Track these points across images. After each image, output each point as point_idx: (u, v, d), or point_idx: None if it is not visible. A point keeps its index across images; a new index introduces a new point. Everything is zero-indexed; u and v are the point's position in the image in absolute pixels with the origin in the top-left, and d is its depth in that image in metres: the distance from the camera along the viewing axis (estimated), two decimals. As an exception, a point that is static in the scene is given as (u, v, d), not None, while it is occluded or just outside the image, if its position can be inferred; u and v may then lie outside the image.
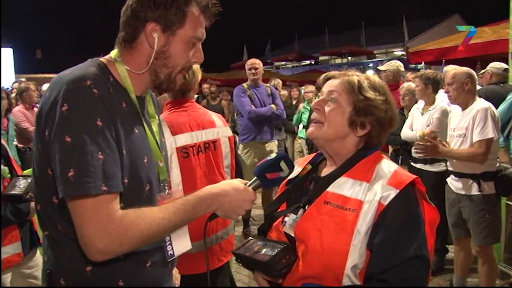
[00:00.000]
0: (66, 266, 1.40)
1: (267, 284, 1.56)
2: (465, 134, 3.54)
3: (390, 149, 5.15)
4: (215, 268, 2.71)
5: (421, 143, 3.59)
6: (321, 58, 32.08)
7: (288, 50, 34.24)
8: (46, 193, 1.37)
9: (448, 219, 3.81)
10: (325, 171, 1.64)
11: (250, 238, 1.62)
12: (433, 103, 4.41)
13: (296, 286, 1.48)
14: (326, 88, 1.62)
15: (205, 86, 10.75)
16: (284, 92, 9.68)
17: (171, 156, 2.49)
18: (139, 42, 1.44)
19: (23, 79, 9.55)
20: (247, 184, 1.51)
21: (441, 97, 4.57)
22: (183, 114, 2.68)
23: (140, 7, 1.41)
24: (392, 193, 1.42)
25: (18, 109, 6.62)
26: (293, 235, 1.54)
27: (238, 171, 3.00)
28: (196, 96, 4.73)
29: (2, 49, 17.64)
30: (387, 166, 1.53)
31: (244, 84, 5.73)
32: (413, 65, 12.14)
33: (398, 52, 28.05)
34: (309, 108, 7.57)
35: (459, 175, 3.62)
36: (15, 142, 6.17)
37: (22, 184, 2.60)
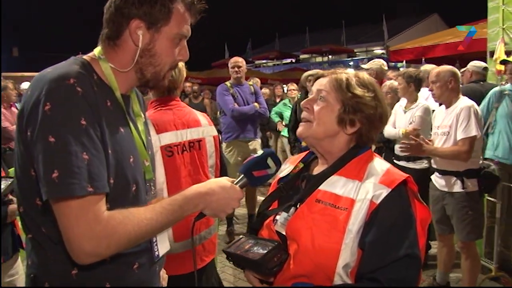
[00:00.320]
0: (51, 270, 1.36)
1: (258, 282, 1.55)
2: (448, 132, 3.58)
3: (373, 146, 5.19)
4: (198, 269, 2.69)
5: (406, 141, 3.63)
6: (302, 56, 32.16)
7: (269, 48, 34.30)
8: (29, 195, 1.33)
9: (432, 215, 3.85)
10: (317, 170, 1.64)
11: (241, 236, 1.61)
12: (416, 101, 4.46)
13: (288, 284, 1.47)
14: (315, 87, 1.62)
15: (187, 84, 10.68)
16: (266, 91, 9.70)
17: (155, 155, 2.44)
18: (123, 39, 1.41)
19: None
20: (234, 182, 1.49)
21: (424, 95, 4.62)
22: (168, 112, 2.64)
23: (124, 4, 1.37)
24: (384, 192, 1.42)
25: (-4, 108, 6.46)
26: (284, 233, 1.53)
27: (223, 171, 2.98)
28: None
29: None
30: (380, 165, 1.53)
31: (227, 83, 5.71)
32: (393, 63, 12.30)
33: (379, 50, 28.35)
34: (290, 106, 7.61)
35: (443, 173, 3.66)
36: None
37: (1, 185, 2.52)
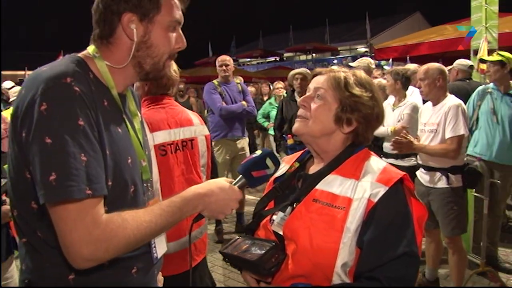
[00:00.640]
0: (46, 275, 1.32)
1: (255, 283, 1.54)
2: (436, 130, 3.62)
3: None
4: (194, 266, 2.69)
5: (398, 139, 3.66)
6: (286, 54, 32.22)
7: (253, 47, 34.27)
8: (24, 197, 1.29)
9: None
10: (313, 169, 1.63)
11: (237, 236, 1.59)
12: (404, 99, 4.50)
13: (286, 285, 1.46)
14: (312, 84, 1.61)
15: (172, 83, 10.58)
16: (252, 89, 9.69)
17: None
18: (117, 36, 1.38)
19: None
20: (233, 183, 1.48)
21: (411, 92, 4.66)
22: (161, 111, 2.62)
23: (111, 1, 1.34)
24: (382, 190, 1.41)
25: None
26: (281, 233, 1.52)
27: (214, 170, 2.98)
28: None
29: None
30: (376, 163, 1.53)
31: (215, 81, 5.69)
32: (377, 62, 12.41)
33: (362, 48, 28.54)
34: (276, 105, 7.61)
35: (428, 169, 3.70)
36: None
37: None
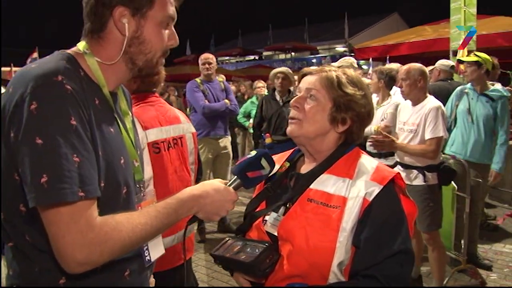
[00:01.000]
0: (36, 280, 1.27)
1: (249, 285, 1.53)
2: (416, 131, 3.67)
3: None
4: (178, 266, 2.66)
5: (380, 139, 3.68)
6: (265, 53, 32.29)
7: (232, 45, 34.24)
8: (11, 200, 1.23)
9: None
10: (305, 168, 1.62)
11: (227, 238, 1.58)
12: (387, 98, 4.54)
13: (281, 285, 1.45)
14: (303, 85, 1.60)
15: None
16: (233, 87, 9.65)
17: (142, 152, 2.42)
18: (108, 31, 1.33)
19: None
20: (228, 184, 1.46)
21: (394, 92, 4.71)
22: (151, 108, 2.59)
23: None
24: (377, 189, 1.42)
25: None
26: (276, 234, 1.51)
27: (199, 168, 2.96)
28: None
29: None
30: (369, 162, 1.54)
31: (197, 79, 5.62)
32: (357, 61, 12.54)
33: (341, 48, 28.81)
34: (256, 103, 7.59)
35: (405, 166, 3.75)
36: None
37: None
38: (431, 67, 5.79)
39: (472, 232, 4.40)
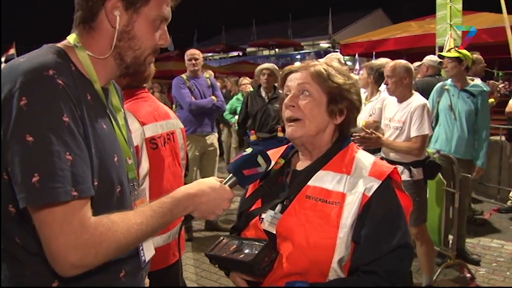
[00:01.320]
0: (27, 284, 1.22)
1: (246, 284, 1.50)
2: (401, 128, 3.69)
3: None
4: (170, 265, 2.62)
5: (367, 135, 3.67)
6: (248, 49, 32.16)
7: (215, 41, 34.03)
8: (0, 201, 1.17)
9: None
10: (301, 165, 1.61)
11: (221, 237, 1.55)
12: (376, 94, 4.52)
13: (280, 283, 1.44)
14: (293, 82, 1.57)
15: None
16: (217, 84, 9.57)
17: (141, 148, 2.40)
18: (99, 21, 1.28)
19: None
20: (223, 182, 1.43)
21: (384, 88, 4.70)
22: (145, 104, 2.56)
23: None
24: (375, 184, 1.43)
25: None
26: (274, 232, 1.49)
27: (187, 164, 2.97)
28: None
29: None
30: (366, 157, 1.54)
31: (183, 75, 5.53)
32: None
33: (325, 44, 28.85)
34: (242, 100, 7.54)
35: (391, 163, 3.73)
36: None
37: None
38: (418, 63, 5.81)
39: (460, 227, 4.43)
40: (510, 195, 6.08)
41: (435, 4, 6.36)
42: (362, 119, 4.45)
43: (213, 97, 5.55)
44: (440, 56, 5.01)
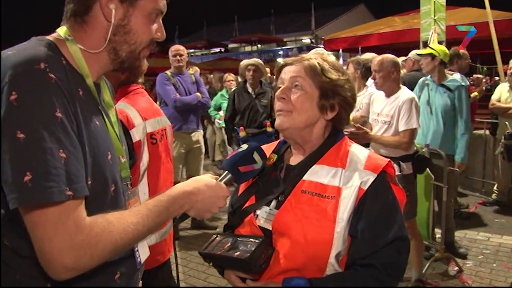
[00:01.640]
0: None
1: (241, 282, 1.48)
2: (390, 122, 3.68)
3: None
4: (160, 264, 2.58)
5: (354, 130, 3.65)
6: (230, 45, 32.00)
7: (197, 37, 33.77)
8: None
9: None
10: (294, 160, 1.60)
11: (215, 235, 1.52)
12: (363, 89, 4.52)
13: (277, 280, 1.41)
14: (286, 75, 1.56)
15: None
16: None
17: (143, 142, 2.39)
18: (93, 15, 1.23)
19: None
20: (218, 179, 1.40)
21: (371, 83, 4.69)
22: (143, 99, 2.54)
23: None
24: (371, 177, 1.42)
25: None
26: (270, 228, 1.47)
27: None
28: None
29: None
30: (360, 151, 1.53)
31: (168, 72, 5.45)
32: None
33: (307, 40, 28.86)
34: (227, 97, 7.48)
35: None
36: None
37: None
38: (403, 58, 5.82)
39: (448, 221, 4.46)
40: (495, 188, 6.15)
41: (419, -1, 6.40)
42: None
43: (198, 94, 5.48)
44: (419, 54, 5.06)
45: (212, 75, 10.65)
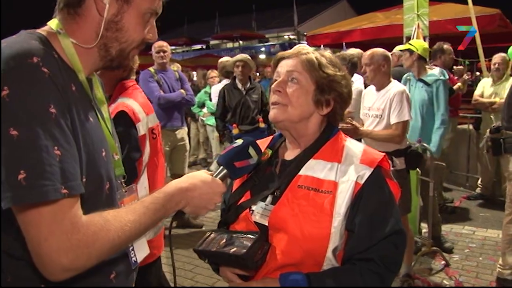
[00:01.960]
0: None
1: (237, 279, 1.47)
2: (381, 115, 3.67)
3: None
4: (152, 261, 2.59)
5: (344, 126, 3.63)
6: (212, 42, 31.88)
7: (177, 34, 33.52)
8: None
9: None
10: (289, 155, 1.59)
11: (209, 232, 1.50)
12: (349, 84, 4.50)
13: (274, 275, 1.41)
14: (282, 68, 1.55)
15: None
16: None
17: (146, 137, 2.39)
18: (86, 7, 1.19)
19: None
20: (214, 175, 1.38)
21: (357, 79, 4.69)
22: (140, 94, 2.53)
23: None
24: (367, 172, 1.43)
25: None
26: (266, 223, 1.46)
27: None
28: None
29: None
30: (355, 145, 1.54)
31: (151, 68, 5.36)
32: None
33: (290, 36, 28.88)
34: (209, 93, 7.42)
35: None
36: None
37: None
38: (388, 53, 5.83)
39: (435, 215, 4.49)
40: (479, 182, 6.23)
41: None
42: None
43: (182, 91, 5.41)
44: (401, 50, 5.10)
45: (195, 72, 10.56)
